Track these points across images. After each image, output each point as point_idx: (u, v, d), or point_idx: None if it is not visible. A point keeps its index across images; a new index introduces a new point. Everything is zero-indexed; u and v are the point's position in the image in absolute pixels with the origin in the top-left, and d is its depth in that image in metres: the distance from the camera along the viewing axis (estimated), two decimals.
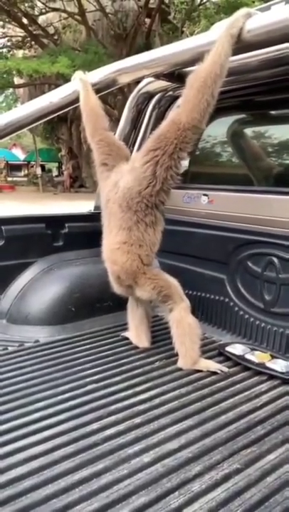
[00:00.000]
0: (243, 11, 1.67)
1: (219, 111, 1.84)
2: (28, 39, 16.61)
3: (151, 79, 2.41)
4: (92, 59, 12.62)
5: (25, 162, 31.66)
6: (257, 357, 1.99)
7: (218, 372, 1.91)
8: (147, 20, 15.46)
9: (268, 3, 1.97)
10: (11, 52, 17.05)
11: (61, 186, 22.71)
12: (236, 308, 2.30)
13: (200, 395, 1.73)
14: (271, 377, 1.88)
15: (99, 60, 11.93)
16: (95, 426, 1.51)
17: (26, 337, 2.25)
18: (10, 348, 2.15)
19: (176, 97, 2.54)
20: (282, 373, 1.87)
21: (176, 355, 1.98)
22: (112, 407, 1.63)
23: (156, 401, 1.68)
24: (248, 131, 2.68)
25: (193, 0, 15.32)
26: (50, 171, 31.29)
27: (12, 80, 16.66)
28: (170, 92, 2.60)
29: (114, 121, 3.22)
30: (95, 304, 2.47)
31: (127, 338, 2.25)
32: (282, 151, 2.45)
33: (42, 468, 1.31)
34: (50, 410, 1.60)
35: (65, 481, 1.26)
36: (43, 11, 16.33)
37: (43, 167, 26.75)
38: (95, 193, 2.98)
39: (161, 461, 1.34)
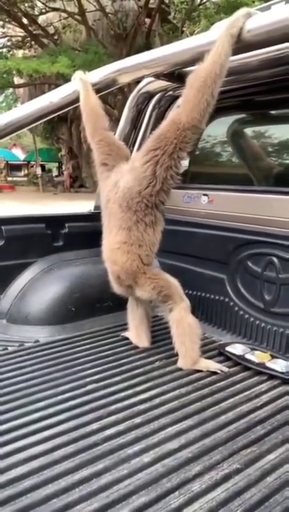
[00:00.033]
0: (243, 11, 1.67)
1: (219, 111, 1.84)
2: (28, 39, 16.62)
3: (152, 79, 2.41)
4: (92, 59, 12.62)
5: (25, 162, 31.67)
6: (257, 357, 1.99)
7: (218, 372, 1.91)
8: (147, 20, 15.46)
9: (268, 3, 1.97)
10: (11, 52, 17.05)
11: (61, 186, 22.71)
12: (236, 308, 2.30)
13: (200, 394, 1.73)
14: (271, 377, 1.88)
15: (99, 60, 11.93)
16: (95, 426, 1.51)
17: (26, 337, 2.25)
18: (10, 348, 2.15)
19: (176, 97, 2.54)
20: (282, 373, 1.87)
21: (176, 355, 1.98)
22: (112, 407, 1.63)
23: (156, 401, 1.68)
24: (248, 130, 2.68)
25: (193, 0, 15.31)
26: (50, 170, 31.29)
27: (12, 80, 16.67)
28: (170, 92, 2.60)
29: (114, 121, 3.22)
30: (95, 303, 2.47)
31: (127, 338, 2.25)
32: (282, 151, 2.45)
33: (42, 468, 1.31)
34: (50, 410, 1.60)
35: (65, 481, 1.26)
36: (43, 10, 16.34)
37: (43, 167, 26.75)
38: (95, 193, 2.98)
39: (161, 461, 1.34)
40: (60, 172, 30.33)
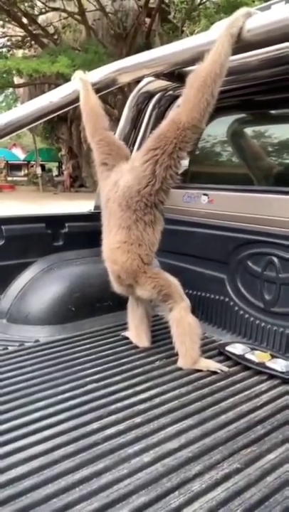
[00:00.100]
0: (243, 11, 1.67)
1: (219, 110, 1.84)
2: (28, 39, 16.61)
3: (152, 78, 2.41)
4: (92, 58, 12.61)
5: (25, 162, 31.67)
6: (257, 356, 1.99)
7: (218, 371, 1.91)
8: (147, 20, 15.45)
9: (268, 3, 1.97)
10: (11, 52, 17.04)
11: (61, 186, 22.72)
12: (236, 308, 2.30)
13: (200, 394, 1.73)
14: (271, 376, 1.88)
15: (99, 60, 11.93)
16: (95, 425, 1.51)
17: (26, 337, 2.25)
18: (10, 348, 2.15)
19: (176, 97, 2.54)
20: (282, 373, 1.87)
21: (176, 354, 1.98)
22: (112, 407, 1.63)
23: (157, 400, 1.68)
24: (248, 130, 2.68)
25: None
26: (50, 170, 31.29)
27: (12, 80, 16.65)
28: (170, 92, 2.60)
29: (114, 120, 3.23)
30: (95, 303, 2.47)
31: (127, 338, 2.25)
32: (282, 151, 2.45)
33: (42, 467, 1.31)
34: (51, 410, 1.60)
35: (66, 481, 1.26)
36: (43, 10, 16.32)
37: (43, 167, 26.75)
38: (95, 192, 2.98)
39: (161, 461, 1.34)
40: (60, 172, 30.34)
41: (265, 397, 1.72)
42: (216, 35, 1.70)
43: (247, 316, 2.24)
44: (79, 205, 5.64)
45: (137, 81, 2.50)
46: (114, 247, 1.94)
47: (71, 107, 2.24)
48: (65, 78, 10.48)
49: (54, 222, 2.70)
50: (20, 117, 2.18)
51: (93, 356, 2.05)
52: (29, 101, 2.40)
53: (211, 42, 1.69)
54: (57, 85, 2.80)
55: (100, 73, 2.19)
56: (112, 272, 2.02)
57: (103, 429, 1.49)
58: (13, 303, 2.40)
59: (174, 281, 2.01)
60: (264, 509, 1.17)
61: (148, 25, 15.40)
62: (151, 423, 1.54)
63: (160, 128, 1.82)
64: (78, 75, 2.19)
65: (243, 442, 1.44)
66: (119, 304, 2.29)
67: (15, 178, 28.65)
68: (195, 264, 2.52)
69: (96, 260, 2.17)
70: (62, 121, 19.34)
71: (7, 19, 15.85)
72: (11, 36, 17.22)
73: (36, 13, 16.33)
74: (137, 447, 1.40)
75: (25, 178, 28.58)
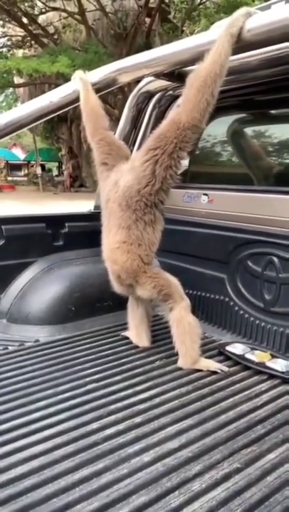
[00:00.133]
0: (243, 10, 1.67)
1: (219, 110, 1.84)
2: (28, 38, 16.59)
3: (152, 78, 2.41)
4: (92, 58, 12.61)
5: (26, 162, 31.66)
6: (257, 356, 1.99)
7: (218, 371, 1.91)
8: (147, 20, 15.44)
9: (268, 2, 1.97)
10: (11, 52, 17.04)
11: (61, 186, 22.72)
12: (236, 308, 2.30)
13: (200, 394, 1.73)
14: (271, 376, 1.88)
15: (99, 60, 11.93)
16: (95, 425, 1.51)
17: (26, 336, 2.25)
18: (10, 348, 2.15)
19: (176, 97, 2.54)
20: (282, 373, 1.87)
21: (177, 354, 1.98)
22: (112, 407, 1.63)
23: (157, 400, 1.68)
24: (248, 130, 2.68)
25: None
26: (50, 170, 31.33)
27: (12, 80, 16.65)
28: (170, 92, 2.60)
29: (115, 120, 3.23)
30: (95, 303, 2.47)
31: (127, 338, 2.25)
32: (282, 151, 2.45)
33: (42, 467, 1.31)
34: (51, 410, 1.60)
35: (66, 481, 1.26)
36: (43, 10, 16.31)
37: (43, 167, 26.76)
38: (95, 192, 2.98)
39: (161, 461, 1.34)
40: (60, 172, 30.33)
41: (265, 397, 1.72)
42: (216, 35, 1.70)
43: (247, 315, 2.24)
44: (79, 205, 5.64)
45: (137, 81, 2.50)
46: (114, 247, 1.94)
47: (71, 106, 2.24)
48: (65, 78, 10.48)
49: (54, 222, 2.70)
50: (20, 117, 2.18)
51: (93, 356, 2.06)
52: (29, 101, 2.40)
53: (211, 42, 1.69)
54: (57, 85, 2.80)
55: (100, 73, 2.19)
56: (112, 271, 2.02)
57: (103, 429, 1.49)
58: (14, 303, 2.40)
59: (174, 280, 2.01)
60: (264, 509, 1.17)
61: (148, 25, 15.39)
62: (152, 423, 1.54)
63: (160, 128, 1.82)
64: (78, 74, 2.19)
65: (243, 442, 1.44)
66: (119, 303, 2.29)
67: (15, 178, 28.62)
68: (195, 264, 2.52)
69: (96, 260, 2.17)
70: (63, 121, 19.34)
71: (7, 19, 15.85)
72: (11, 36, 17.21)
73: (36, 13, 16.32)
74: (137, 447, 1.40)
75: (26, 178, 28.58)
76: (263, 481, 1.26)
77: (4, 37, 17.34)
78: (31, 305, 2.36)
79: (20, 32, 16.67)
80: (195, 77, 1.70)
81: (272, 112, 2.53)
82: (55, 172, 31.86)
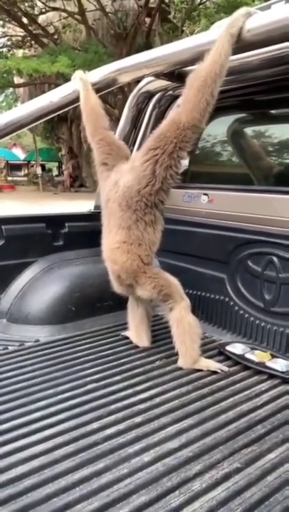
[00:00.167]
0: (243, 10, 1.67)
1: (219, 110, 1.84)
2: (28, 38, 16.60)
3: (152, 78, 2.41)
4: (92, 58, 12.61)
5: (26, 162, 31.68)
6: (257, 356, 1.99)
7: (219, 371, 1.91)
8: (147, 20, 15.45)
9: (268, 2, 1.97)
10: (11, 52, 17.04)
11: (61, 186, 22.72)
12: (236, 308, 2.30)
13: (200, 394, 1.73)
14: (271, 376, 1.88)
15: (99, 60, 11.93)
16: (95, 425, 1.51)
17: (27, 336, 2.25)
18: (10, 348, 2.15)
19: (176, 97, 2.54)
20: (282, 372, 1.87)
21: (177, 354, 1.98)
22: (113, 407, 1.63)
23: (157, 400, 1.68)
24: (248, 130, 2.68)
25: None
26: (50, 170, 31.33)
27: (12, 80, 16.66)
28: (170, 92, 2.60)
29: (115, 120, 3.23)
30: (95, 303, 2.47)
31: (127, 338, 2.25)
32: (282, 151, 2.45)
33: (42, 467, 1.31)
34: (51, 409, 1.60)
35: (66, 480, 1.26)
36: (43, 10, 16.33)
37: (43, 167, 26.76)
38: (95, 192, 2.98)
39: (161, 460, 1.34)
40: (60, 172, 30.34)
41: (265, 397, 1.72)
42: (216, 35, 1.70)
43: (247, 315, 2.24)
44: (79, 205, 5.64)
45: (137, 81, 2.50)
46: (114, 247, 1.94)
47: (71, 106, 2.24)
48: (65, 78, 10.48)
49: (54, 222, 2.70)
50: (20, 117, 2.18)
51: (93, 356, 2.06)
52: (29, 101, 2.40)
53: (211, 42, 1.69)
54: (57, 85, 2.81)
55: (100, 73, 2.19)
56: (112, 271, 2.02)
57: (103, 429, 1.49)
58: (14, 303, 2.40)
59: (174, 281, 2.01)
60: (264, 508, 1.17)
61: (148, 25, 15.40)
62: (152, 423, 1.54)
63: (160, 128, 1.82)
64: (78, 74, 2.20)
65: (243, 442, 1.44)
66: (119, 303, 2.29)
67: (15, 178, 28.63)
68: (195, 264, 2.52)
69: (96, 260, 2.17)
70: (63, 121, 19.35)
71: (7, 19, 15.85)
72: (11, 36, 17.22)
73: (36, 12, 16.33)
74: (137, 447, 1.40)
75: (26, 178, 28.59)
76: (263, 481, 1.26)
77: (4, 37, 17.35)
78: (31, 305, 2.36)
79: (20, 32, 16.68)
80: (195, 77, 1.70)
81: (272, 111, 2.52)
82: (55, 172, 31.87)
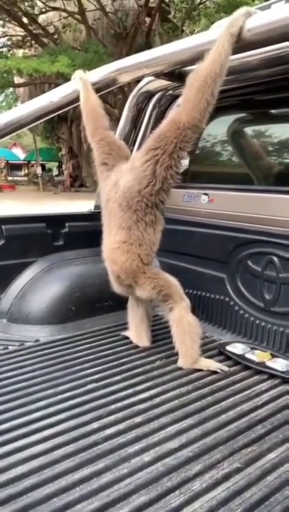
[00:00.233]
0: (243, 10, 1.67)
1: (219, 110, 1.84)
2: (28, 38, 16.60)
3: (152, 78, 2.40)
4: (92, 58, 12.61)
5: (26, 161, 31.67)
6: (257, 356, 1.99)
7: (219, 371, 1.91)
8: (147, 20, 15.44)
9: (268, 2, 1.97)
10: (11, 52, 17.05)
11: (61, 186, 22.72)
12: (236, 308, 2.30)
13: (200, 394, 1.73)
14: (271, 376, 1.88)
15: (99, 59, 11.93)
16: (95, 425, 1.51)
17: (27, 336, 2.25)
18: (10, 348, 2.15)
19: (177, 96, 2.54)
20: (282, 372, 1.87)
21: (177, 354, 1.98)
22: (113, 406, 1.63)
23: (157, 400, 1.68)
24: (248, 130, 2.68)
25: None
26: (50, 170, 31.32)
27: (12, 79, 16.66)
28: (170, 91, 2.60)
29: (115, 120, 3.23)
30: (95, 303, 2.47)
31: (127, 338, 2.25)
32: (282, 150, 2.45)
33: (42, 467, 1.31)
34: (51, 409, 1.60)
35: (66, 480, 1.26)
36: (43, 10, 16.32)
37: (43, 166, 26.76)
38: (95, 192, 2.98)
39: (161, 460, 1.34)
40: (61, 171, 30.34)
41: (265, 397, 1.72)
42: (216, 34, 1.69)
43: (247, 315, 2.24)
44: (79, 204, 5.65)
45: (137, 81, 2.50)
46: (114, 247, 1.94)
47: (71, 106, 2.24)
48: (65, 78, 10.48)
49: (54, 222, 2.70)
50: (20, 117, 2.18)
51: (93, 356, 2.06)
52: (29, 100, 2.40)
53: (211, 41, 1.69)
54: (57, 85, 2.81)
55: (100, 73, 2.19)
56: (111, 272, 2.02)
57: (103, 429, 1.49)
58: (14, 302, 2.40)
59: (173, 281, 2.01)
60: (264, 508, 1.17)
61: (148, 25, 15.39)
62: (152, 423, 1.54)
63: (160, 128, 1.82)
64: (78, 74, 2.19)
65: (243, 442, 1.44)
66: (119, 303, 2.29)
67: (15, 178, 28.63)
68: (195, 264, 2.52)
69: (96, 260, 2.17)
70: (63, 121, 19.34)
71: (7, 19, 15.85)
72: (12, 36, 17.22)
73: (36, 12, 16.33)
74: (137, 447, 1.40)
75: (26, 178, 28.58)
76: (263, 481, 1.26)
77: (4, 37, 17.35)
78: (31, 305, 2.36)
79: (20, 32, 16.68)
80: (195, 77, 1.70)
81: (272, 111, 2.52)
82: (55, 172, 31.87)
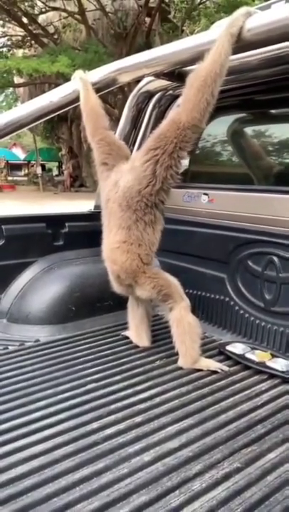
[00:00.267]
0: (243, 10, 1.67)
1: (219, 110, 1.84)
2: (28, 38, 16.60)
3: (152, 78, 2.41)
4: (92, 58, 12.61)
5: (26, 161, 31.67)
6: (257, 356, 1.99)
7: (219, 371, 1.91)
8: (147, 20, 15.44)
9: (268, 2, 1.97)
10: (11, 52, 17.04)
11: (61, 186, 22.72)
12: (237, 308, 2.30)
13: (200, 394, 1.73)
14: (271, 376, 1.88)
15: (99, 60, 11.93)
16: (95, 425, 1.51)
17: (27, 336, 2.25)
18: (10, 348, 2.15)
19: (177, 96, 2.54)
20: (282, 372, 1.87)
21: (177, 354, 1.98)
22: (113, 406, 1.63)
23: (157, 400, 1.68)
24: (248, 130, 2.68)
25: None
26: (50, 170, 31.33)
27: (12, 79, 16.66)
28: (170, 91, 2.60)
29: (115, 120, 3.23)
30: (95, 303, 2.47)
31: (127, 338, 2.25)
32: (282, 150, 2.45)
33: (42, 467, 1.31)
34: (51, 409, 1.60)
35: (66, 480, 1.26)
36: (43, 10, 16.32)
37: (43, 166, 26.76)
38: (95, 192, 2.98)
39: (161, 460, 1.34)
40: (61, 171, 30.34)
41: (265, 397, 1.72)
42: (216, 34, 1.69)
43: (247, 315, 2.24)
44: (79, 204, 5.65)
45: (137, 81, 2.50)
46: (114, 247, 1.94)
47: (71, 106, 2.24)
48: (65, 78, 10.48)
49: (54, 221, 2.70)
50: (20, 117, 2.18)
51: (93, 356, 2.06)
52: (29, 100, 2.40)
53: (211, 41, 1.69)
54: (57, 85, 2.81)
55: (100, 73, 2.19)
56: (111, 271, 2.02)
57: (103, 429, 1.49)
58: (14, 302, 2.40)
59: (173, 281, 2.01)
60: (264, 508, 1.17)
61: (148, 25, 15.39)
62: (152, 422, 1.54)
63: (160, 128, 1.82)
64: (78, 74, 2.19)
65: (243, 441, 1.44)
66: (119, 303, 2.29)
67: (15, 178, 28.63)
68: (195, 264, 2.52)
69: (96, 260, 2.17)
70: (63, 121, 19.34)
71: (7, 19, 15.85)
72: (11, 36, 17.22)
73: (36, 12, 16.33)
74: (137, 446, 1.40)
75: (26, 178, 28.58)
76: (263, 481, 1.26)
77: (4, 37, 17.35)
78: (31, 305, 2.36)
79: (20, 32, 16.68)
80: (195, 77, 1.70)
81: (272, 111, 2.52)
82: (55, 172, 31.87)
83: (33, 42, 16.65)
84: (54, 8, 16.09)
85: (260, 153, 2.55)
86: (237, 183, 2.45)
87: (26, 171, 30.91)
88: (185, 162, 2.30)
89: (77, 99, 2.15)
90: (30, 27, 15.92)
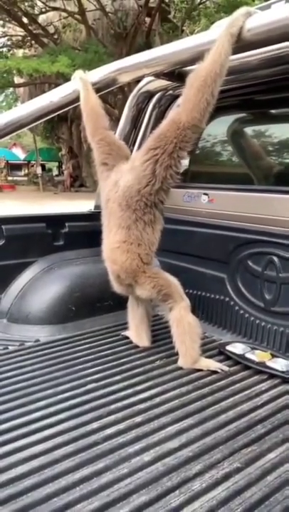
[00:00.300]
0: (243, 10, 1.67)
1: (219, 110, 1.84)
2: (28, 38, 16.61)
3: (152, 78, 2.41)
4: (92, 58, 12.61)
5: (26, 161, 31.68)
6: (257, 356, 1.99)
7: (219, 371, 1.91)
8: (147, 20, 15.44)
9: (268, 2, 1.97)
10: (11, 52, 17.05)
11: (61, 186, 22.73)
12: (237, 308, 2.30)
13: (200, 393, 1.73)
14: (271, 376, 1.88)
15: (99, 60, 11.93)
16: (95, 425, 1.51)
17: (27, 336, 2.25)
18: (10, 348, 2.15)
19: (177, 96, 2.54)
20: (282, 372, 1.87)
21: (177, 354, 1.98)
22: (113, 406, 1.63)
23: (157, 400, 1.68)
24: (248, 130, 2.68)
25: None
26: (50, 170, 31.34)
27: (12, 79, 16.66)
28: (170, 91, 2.60)
29: (115, 120, 3.23)
30: (95, 303, 2.47)
31: (127, 337, 2.25)
32: (282, 150, 2.45)
33: (42, 467, 1.31)
34: (51, 409, 1.60)
35: (66, 480, 1.26)
36: (43, 10, 16.33)
37: (43, 166, 26.76)
38: (95, 192, 2.98)
39: (161, 460, 1.34)
40: (61, 171, 30.35)
41: (265, 397, 1.72)
42: (216, 34, 1.69)
43: (247, 315, 2.24)
44: (79, 204, 5.65)
45: (137, 81, 2.50)
46: (114, 247, 1.94)
47: (71, 106, 2.24)
48: (65, 78, 10.48)
49: (54, 221, 2.70)
50: (20, 117, 2.18)
51: (93, 356, 2.06)
52: (29, 100, 2.40)
53: (211, 41, 1.69)
54: (57, 85, 2.81)
55: (100, 73, 2.19)
56: (111, 271, 2.02)
57: (103, 429, 1.49)
58: (14, 302, 2.40)
59: (173, 280, 2.01)
60: (264, 508, 1.17)
61: (148, 25, 15.39)
62: (152, 422, 1.54)
63: (160, 128, 1.82)
64: (78, 74, 2.20)
65: (243, 441, 1.44)
66: (119, 303, 2.30)
67: (15, 178, 28.63)
68: (195, 264, 2.52)
69: (96, 260, 2.17)
70: (63, 121, 19.35)
71: (7, 19, 15.85)
72: (12, 36, 17.22)
73: (36, 12, 16.33)
74: (137, 446, 1.40)
75: (26, 178, 28.59)
76: (263, 481, 1.26)
77: (4, 37, 17.35)
78: (31, 305, 2.36)
79: (20, 32, 16.68)
80: (195, 77, 1.70)
81: (272, 111, 2.52)
82: (55, 172, 31.88)
83: (33, 42, 16.65)
84: (54, 8, 16.09)
85: (260, 153, 2.55)
86: (237, 183, 2.45)
87: (26, 171, 30.91)
88: (185, 162, 2.30)
89: (77, 99, 2.15)
90: (30, 27, 15.93)
